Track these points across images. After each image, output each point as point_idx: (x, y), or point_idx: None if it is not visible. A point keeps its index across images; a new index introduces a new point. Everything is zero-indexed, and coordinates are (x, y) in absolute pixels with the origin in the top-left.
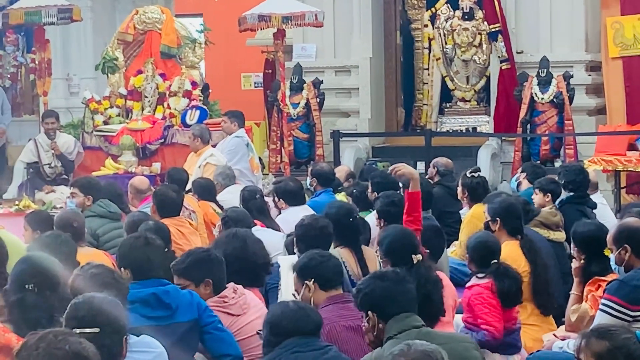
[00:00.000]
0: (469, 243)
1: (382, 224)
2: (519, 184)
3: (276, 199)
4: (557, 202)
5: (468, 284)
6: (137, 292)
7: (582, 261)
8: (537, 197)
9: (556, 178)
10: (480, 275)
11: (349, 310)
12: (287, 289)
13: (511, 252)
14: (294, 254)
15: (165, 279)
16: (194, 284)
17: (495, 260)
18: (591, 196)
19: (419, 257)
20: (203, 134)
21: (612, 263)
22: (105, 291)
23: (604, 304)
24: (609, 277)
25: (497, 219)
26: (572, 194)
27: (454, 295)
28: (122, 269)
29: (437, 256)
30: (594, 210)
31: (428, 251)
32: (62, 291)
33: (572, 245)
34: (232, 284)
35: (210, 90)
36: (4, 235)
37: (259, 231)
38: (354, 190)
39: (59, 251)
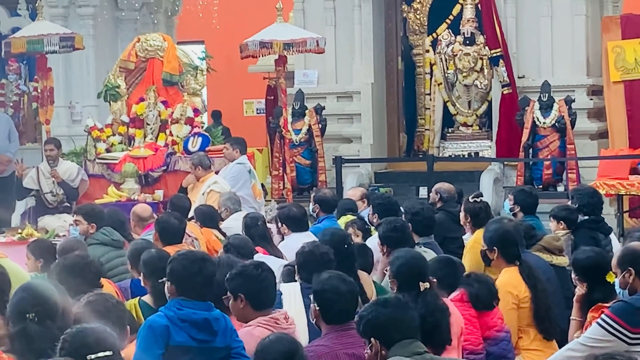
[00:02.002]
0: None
1: (384, 250)
2: (514, 215)
3: (279, 224)
4: None
5: None
6: (192, 314)
7: (585, 289)
8: (553, 225)
9: (569, 202)
10: (456, 291)
11: (351, 338)
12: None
13: (511, 279)
14: (292, 282)
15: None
16: None
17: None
18: None
19: (427, 285)
20: (202, 161)
21: (617, 287)
22: (101, 318)
23: (603, 320)
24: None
25: (495, 248)
26: (586, 217)
27: (459, 322)
28: (168, 282)
29: (450, 289)
30: (608, 236)
31: (435, 280)
32: (61, 320)
33: (573, 274)
34: (285, 311)
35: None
36: (7, 264)
37: (261, 258)
38: (366, 226)
39: (88, 271)
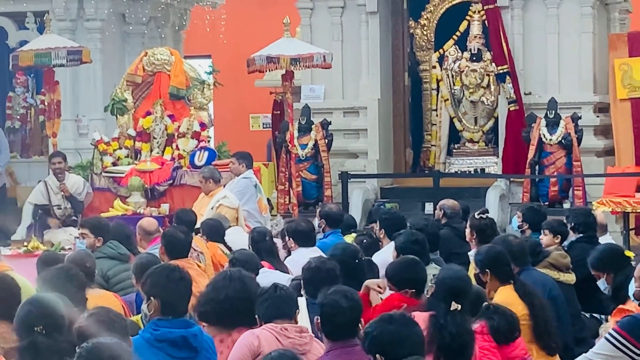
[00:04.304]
0: None
1: None
2: (523, 232)
3: (286, 238)
4: (565, 243)
5: None
6: (168, 333)
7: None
8: (546, 238)
9: (564, 220)
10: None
11: (355, 355)
12: None
13: (507, 297)
14: (300, 296)
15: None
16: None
17: (486, 303)
18: (600, 238)
19: (459, 306)
20: (213, 174)
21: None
22: (105, 330)
23: (611, 334)
24: (630, 305)
25: (487, 270)
26: (581, 235)
27: (476, 347)
28: (151, 298)
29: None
30: None
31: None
32: (67, 333)
33: (596, 274)
34: (302, 326)
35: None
36: (14, 277)
37: (267, 273)
38: (364, 241)
39: (69, 285)
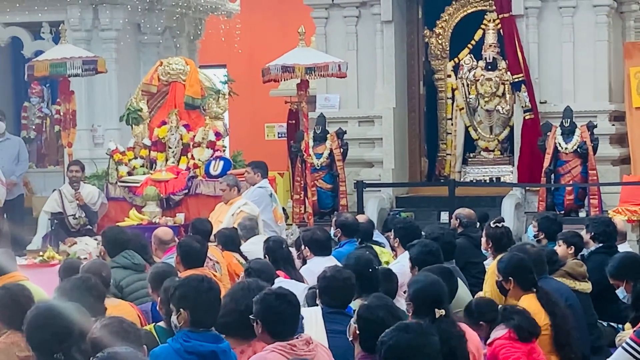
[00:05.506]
0: (470, 311)
1: (415, 272)
2: (538, 241)
3: (302, 247)
4: (585, 253)
5: (488, 341)
6: (199, 345)
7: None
8: (560, 249)
9: (584, 231)
10: (497, 329)
11: None
12: None
13: (530, 306)
14: (315, 305)
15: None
16: None
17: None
18: (620, 246)
19: (442, 312)
20: (238, 183)
21: None
22: (119, 340)
23: (627, 343)
24: None
25: (510, 278)
26: (601, 244)
27: (477, 347)
28: (181, 310)
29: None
30: None
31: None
32: (83, 342)
33: (620, 288)
34: (308, 336)
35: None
36: (29, 287)
37: (282, 282)
38: (367, 252)
39: (88, 295)
